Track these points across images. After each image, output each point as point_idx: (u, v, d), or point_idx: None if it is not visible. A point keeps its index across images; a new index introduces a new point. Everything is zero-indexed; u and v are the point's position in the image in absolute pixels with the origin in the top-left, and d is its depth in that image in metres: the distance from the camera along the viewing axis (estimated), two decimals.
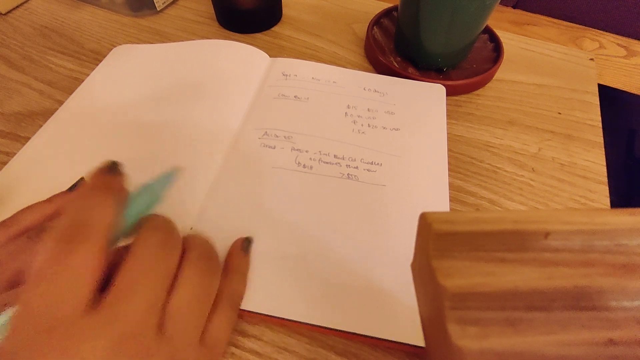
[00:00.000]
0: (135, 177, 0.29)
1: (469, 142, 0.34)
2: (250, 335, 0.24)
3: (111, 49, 0.39)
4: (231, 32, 0.43)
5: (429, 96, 0.35)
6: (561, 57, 0.42)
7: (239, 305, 0.23)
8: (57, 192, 0.26)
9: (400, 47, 0.39)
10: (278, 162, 0.30)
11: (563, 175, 0.32)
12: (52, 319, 0.15)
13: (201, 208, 0.27)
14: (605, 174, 0.32)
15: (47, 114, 0.33)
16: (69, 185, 0.27)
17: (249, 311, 0.23)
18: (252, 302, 0.23)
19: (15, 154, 0.30)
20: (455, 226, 0.10)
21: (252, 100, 0.34)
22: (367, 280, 0.24)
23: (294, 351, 0.23)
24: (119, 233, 0.18)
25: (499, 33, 0.41)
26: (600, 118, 0.36)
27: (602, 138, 0.35)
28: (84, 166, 0.29)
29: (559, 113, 0.37)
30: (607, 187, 0.31)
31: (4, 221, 0.24)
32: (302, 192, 0.28)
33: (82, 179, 0.27)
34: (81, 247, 0.16)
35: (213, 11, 0.44)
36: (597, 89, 0.39)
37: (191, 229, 0.26)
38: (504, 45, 0.39)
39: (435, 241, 0.10)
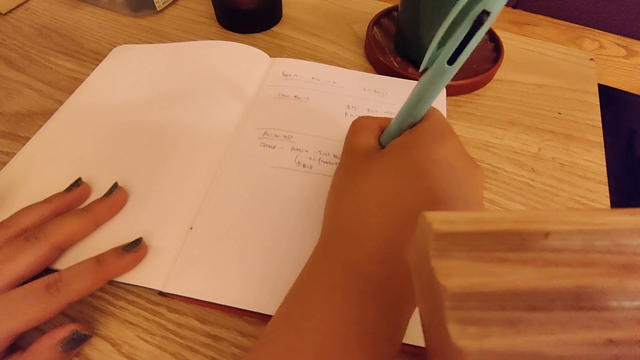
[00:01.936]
0: (135, 177, 0.29)
1: (469, 142, 0.34)
2: (250, 335, 0.24)
3: (111, 49, 0.39)
4: (231, 32, 0.43)
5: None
6: (561, 57, 0.42)
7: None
8: (56, 192, 0.26)
9: (400, 47, 0.39)
10: (278, 162, 0.30)
11: (563, 175, 0.32)
12: None
13: (201, 208, 0.27)
14: (605, 174, 0.32)
15: (47, 114, 0.33)
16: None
17: (251, 312, 0.23)
18: (255, 303, 0.23)
19: (15, 154, 0.30)
20: (455, 226, 0.10)
21: (252, 100, 0.34)
22: None
23: None
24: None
25: (499, 33, 0.41)
26: (600, 118, 0.36)
27: (602, 138, 0.35)
28: (84, 166, 0.29)
29: (559, 113, 0.36)
30: (607, 187, 0.31)
31: (2, 222, 0.24)
32: (302, 192, 0.28)
33: (79, 179, 0.27)
34: None
35: (213, 11, 0.44)
36: (597, 89, 0.39)
37: (191, 228, 0.26)
38: (504, 45, 0.39)
39: (435, 241, 0.10)
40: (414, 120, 0.22)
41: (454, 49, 0.17)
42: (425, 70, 0.19)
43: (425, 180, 0.18)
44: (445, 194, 0.18)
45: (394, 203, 0.18)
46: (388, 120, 0.24)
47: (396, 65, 0.38)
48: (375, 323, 0.17)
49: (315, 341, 0.16)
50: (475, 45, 0.16)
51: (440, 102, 0.35)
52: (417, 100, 0.20)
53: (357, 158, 0.22)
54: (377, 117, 0.25)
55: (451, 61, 0.17)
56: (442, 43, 0.18)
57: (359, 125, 0.24)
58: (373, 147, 0.22)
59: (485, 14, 0.15)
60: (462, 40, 0.16)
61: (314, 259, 0.20)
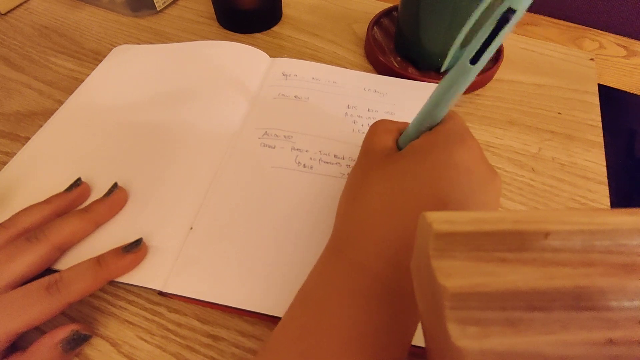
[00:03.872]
0: (135, 177, 0.29)
1: None
2: (250, 335, 0.24)
3: (111, 49, 0.39)
4: (231, 32, 0.43)
5: (429, 96, 0.35)
6: (561, 57, 0.42)
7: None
8: (56, 192, 0.26)
9: (400, 47, 0.39)
10: (278, 162, 0.30)
11: (563, 175, 0.32)
12: None
13: (201, 207, 0.27)
14: (605, 174, 0.32)
15: (47, 114, 0.33)
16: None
17: (251, 312, 0.23)
18: (255, 303, 0.23)
19: (15, 154, 0.30)
20: (455, 226, 0.10)
21: (252, 100, 0.34)
22: None
23: None
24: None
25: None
26: (600, 118, 0.36)
27: (602, 138, 0.35)
28: (84, 166, 0.29)
29: (559, 113, 0.36)
30: (607, 187, 0.31)
31: (3, 223, 0.24)
32: (302, 192, 0.28)
33: (79, 179, 0.27)
34: None
35: (213, 11, 0.44)
36: (597, 89, 0.39)
37: (191, 228, 0.26)
38: (504, 45, 0.39)
39: (435, 241, 0.10)
40: (433, 123, 0.21)
41: (477, 48, 0.16)
42: (446, 71, 0.19)
43: (441, 183, 0.18)
44: (461, 199, 0.18)
45: (409, 205, 0.18)
46: (407, 124, 0.24)
47: (396, 65, 0.38)
48: (388, 327, 0.17)
49: (330, 346, 0.16)
50: (499, 44, 0.16)
51: None
52: (437, 101, 0.20)
53: (374, 159, 0.22)
54: (396, 121, 0.24)
55: (474, 61, 0.17)
56: (465, 43, 0.17)
57: (378, 127, 0.24)
58: (391, 149, 0.22)
59: (510, 12, 0.15)
60: (486, 39, 0.16)
61: (325, 259, 0.20)
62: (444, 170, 0.18)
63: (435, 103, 0.20)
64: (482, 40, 0.16)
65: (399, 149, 0.22)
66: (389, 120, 0.24)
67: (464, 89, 0.18)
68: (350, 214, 0.20)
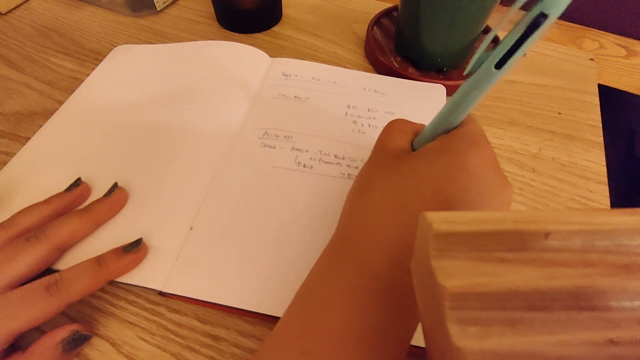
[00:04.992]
0: (135, 177, 0.29)
1: None
2: (250, 335, 0.24)
3: (111, 49, 0.39)
4: (231, 32, 0.43)
5: (429, 96, 0.35)
6: (561, 57, 0.42)
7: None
8: (56, 192, 0.26)
9: (400, 47, 0.39)
10: (278, 162, 0.30)
11: (563, 175, 0.32)
12: None
13: (201, 208, 0.27)
14: (606, 174, 0.32)
15: (47, 114, 0.33)
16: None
17: (251, 312, 0.23)
18: (255, 303, 0.23)
19: (15, 154, 0.30)
20: (455, 226, 0.10)
21: (252, 100, 0.34)
22: None
23: None
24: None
25: (499, 33, 0.41)
26: (600, 118, 0.36)
27: (602, 138, 0.35)
28: (84, 166, 0.29)
29: (559, 113, 0.36)
30: (607, 187, 0.31)
31: (2, 223, 0.24)
32: (302, 192, 0.28)
33: (79, 179, 0.27)
34: None
35: (213, 11, 0.44)
36: (597, 89, 0.39)
37: (191, 228, 0.26)
38: None
39: (435, 241, 0.10)
40: (450, 126, 0.21)
41: (504, 52, 0.16)
42: (469, 74, 0.18)
43: (449, 186, 0.18)
44: (468, 202, 0.18)
45: (417, 205, 0.18)
46: (423, 126, 0.23)
47: (396, 65, 0.38)
48: (387, 325, 0.17)
49: (330, 343, 0.16)
50: (527, 49, 0.15)
51: (440, 102, 0.35)
52: (457, 104, 0.19)
53: (386, 158, 0.21)
54: (412, 122, 0.24)
55: (499, 65, 0.16)
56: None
57: (393, 126, 0.24)
58: (404, 150, 0.22)
59: (542, 16, 0.14)
60: (514, 43, 0.15)
61: (327, 255, 0.20)
62: (453, 173, 0.18)
63: (454, 106, 0.20)
64: (510, 45, 0.15)
65: (413, 150, 0.22)
66: (406, 121, 0.24)
67: (484, 94, 0.18)
68: (355, 211, 0.20)
